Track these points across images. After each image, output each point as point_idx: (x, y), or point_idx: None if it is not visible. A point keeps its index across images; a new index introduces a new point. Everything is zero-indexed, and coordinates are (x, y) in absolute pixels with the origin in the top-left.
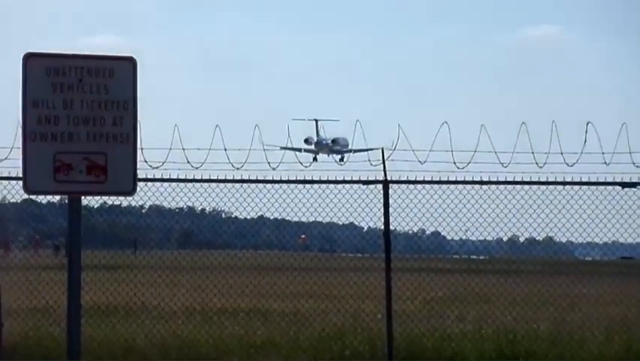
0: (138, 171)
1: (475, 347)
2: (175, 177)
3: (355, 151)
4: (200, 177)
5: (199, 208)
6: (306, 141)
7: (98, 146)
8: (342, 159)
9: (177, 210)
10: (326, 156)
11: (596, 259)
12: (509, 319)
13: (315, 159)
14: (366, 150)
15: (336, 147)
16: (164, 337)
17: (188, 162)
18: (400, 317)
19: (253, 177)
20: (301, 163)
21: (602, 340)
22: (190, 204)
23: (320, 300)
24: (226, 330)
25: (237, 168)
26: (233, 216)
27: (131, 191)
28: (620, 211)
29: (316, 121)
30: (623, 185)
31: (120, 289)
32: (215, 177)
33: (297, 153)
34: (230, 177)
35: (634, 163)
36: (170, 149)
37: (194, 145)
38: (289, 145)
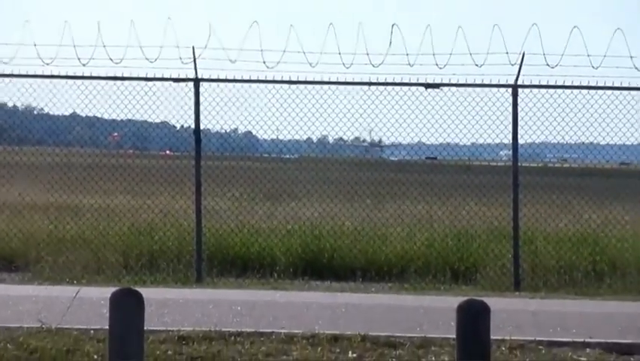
0: None
1: (281, 242)
2: None
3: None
4: (10, 72)
5: (10, 104)
6: (363, 140)
7: None
8: (381, 149)
9: None
10: (369, 145)
11: (402, 159)
12: (316, 215)
13: (366, 150)
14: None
15: (379, 143)
16: None
17: None
18: (209, 212)
19: (63, 73)
20: (111, 60)
21: (405, 236)
22: (0, 99)
23: (130, 196)
24: (35, 224)
25: (47, 64)
26: (45, 113)
27: None
28: (423, 112)
29: (370, 131)
30: (427, 86)
31: None
32: (25, 73)
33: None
34: (41, 73)
35: (437, 65)
36: None
37: (2, 40)
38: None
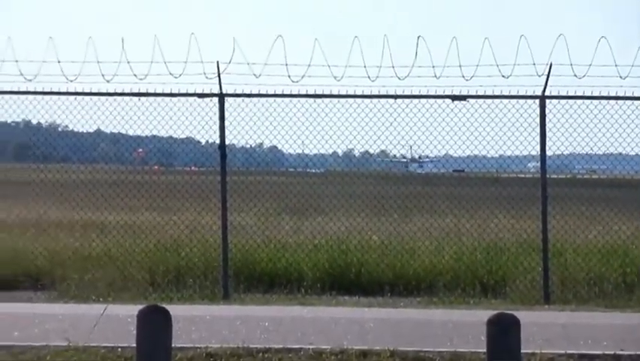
0: None
1: (308, 257)
2: (8, 89)
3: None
4: (34, 90)
5: (35, 122)
6: (403, 156)
7: None
8: (420, 166)
9: (13, 123)
10: (409, 161)
11: (429, 172)
12: (342, 230)
13: (406, 166)
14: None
15: (420, 160)
16: None
17: (22, 74)
18: (235, 228)
19: (87, 90)
20: (135, 75)
21: (433, 250)
22: (24, 117)
23: (156, 213)
24: (61, 242)
25: (71, 81)
26: (69, 129)
27: None
28: (450, 124)
29: (410, 146)
30: (454, 98)
31: None
32: (49, 90)
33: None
34: (65, 90)
35: (464, 76)
36: (3, 61)
37: (26, 57)
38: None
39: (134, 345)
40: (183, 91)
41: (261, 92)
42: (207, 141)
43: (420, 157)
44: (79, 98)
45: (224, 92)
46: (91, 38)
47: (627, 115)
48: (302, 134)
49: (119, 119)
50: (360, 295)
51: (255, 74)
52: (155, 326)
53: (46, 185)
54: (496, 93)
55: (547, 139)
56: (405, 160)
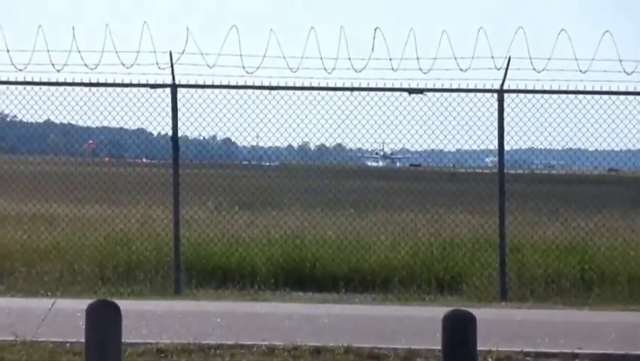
0: None
1: (262, 251)
2: None
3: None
4: None
5: None
6: (376, 153)
7: None
8: (393, 161)
9: None
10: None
11: (385, 167)
12: (297, 224)
13: (376, 161)
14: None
15: (392, 156)
16: None
17: None
18: (188, 222)
19: (37, 79)
20: (86, 65)
21: (388, 245)
22: None
23: (106, 205)
24: (8, 235)
25: (20, 70)
26: (18, 120)
27: None
28: (407, 117)
29: (383, 143)
30: (410, 91)
31: None
32: None
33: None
34: (14, 79)
35: (421, 69)
36: None
37: None
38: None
39: (83, 340)
40: (135, 81)
41: (215, 83)
42: (159, 133)
43: (392, 153)
44: (28, 87)
45: (177, 82)
46: (41, 27)
47: (587, 110)
48: (256, 127)
49: (69, 110)
50: (315, 290)
51: (208, 65)
52: (104, 321)
53: None
54: (454, 87)
55: (505, 133)
56: (380, 156)
